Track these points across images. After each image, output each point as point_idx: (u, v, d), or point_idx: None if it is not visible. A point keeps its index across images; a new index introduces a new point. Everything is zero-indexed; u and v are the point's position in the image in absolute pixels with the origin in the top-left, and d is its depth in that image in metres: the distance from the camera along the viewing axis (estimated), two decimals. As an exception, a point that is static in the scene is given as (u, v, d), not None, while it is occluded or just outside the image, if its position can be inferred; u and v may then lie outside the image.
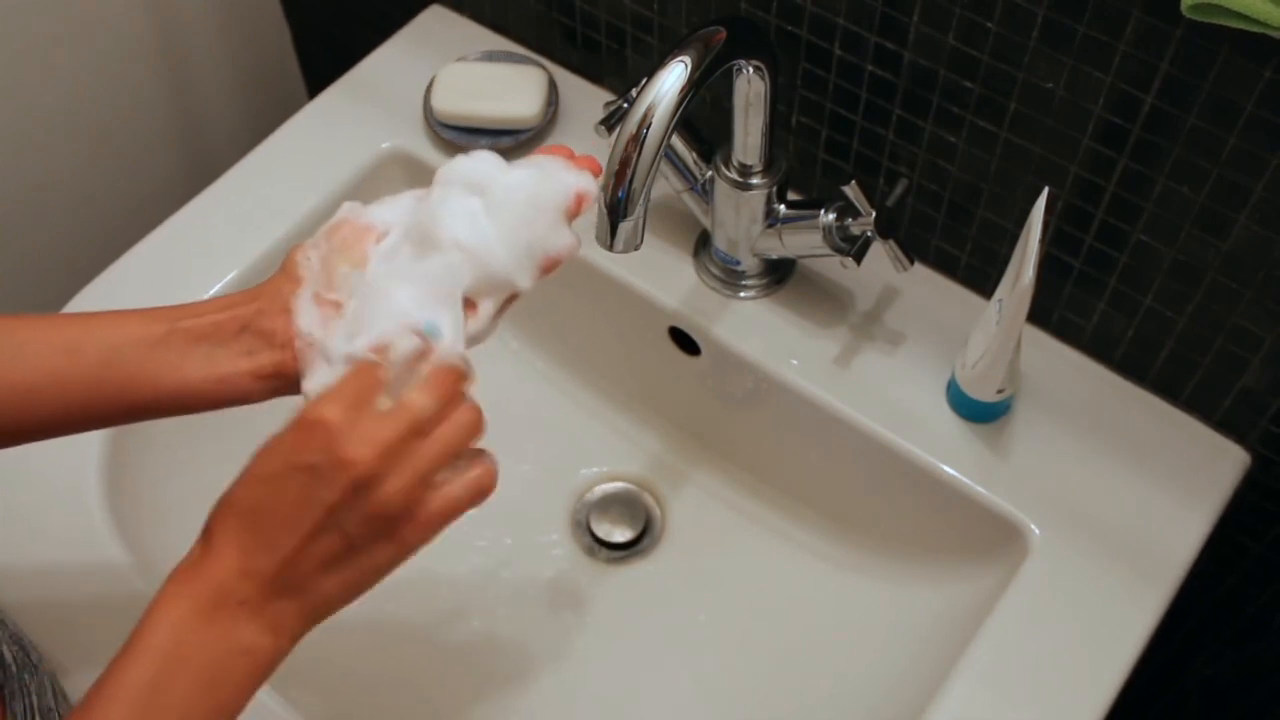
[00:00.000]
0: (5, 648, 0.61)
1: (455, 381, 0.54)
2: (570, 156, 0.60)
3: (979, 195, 0.77)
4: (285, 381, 0.57)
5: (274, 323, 0.57)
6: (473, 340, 0.57)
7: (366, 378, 0.52)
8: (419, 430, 0.52)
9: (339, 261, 0.57)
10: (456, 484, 0.53)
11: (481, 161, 0.58)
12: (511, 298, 0.58)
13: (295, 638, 0.52)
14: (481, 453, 0.55)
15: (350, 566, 0.52)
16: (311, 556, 0.51)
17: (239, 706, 0.51)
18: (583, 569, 0.87)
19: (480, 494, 0.54)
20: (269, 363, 0.57)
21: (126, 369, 0.56)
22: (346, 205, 0.59)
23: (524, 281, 0.57)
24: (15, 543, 0.76)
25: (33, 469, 0.79)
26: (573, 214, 0.58)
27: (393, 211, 0.59)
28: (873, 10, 0.72)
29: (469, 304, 0.57)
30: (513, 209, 0.56)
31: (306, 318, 0.56)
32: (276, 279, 0.59)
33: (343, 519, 0.51)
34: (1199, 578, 0.75)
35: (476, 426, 0.54)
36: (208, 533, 0.52)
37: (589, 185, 0.59)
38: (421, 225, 0.56)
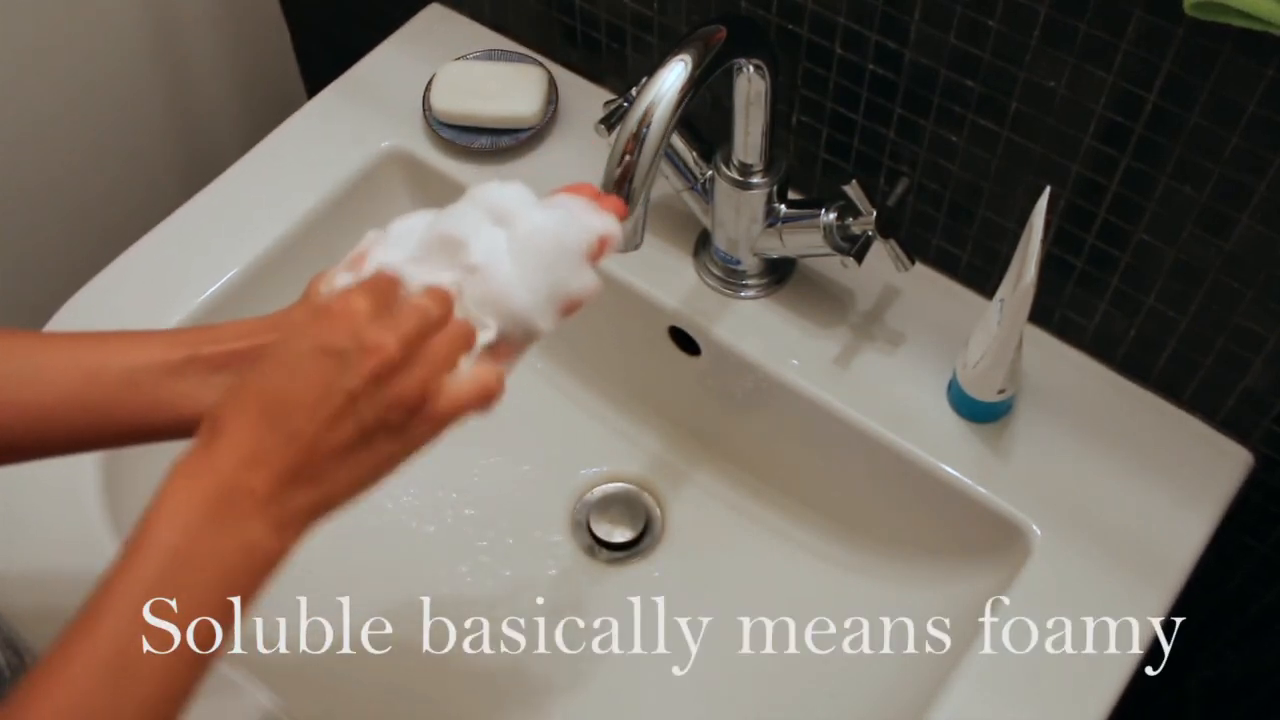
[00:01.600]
0: (0, 653, 0.60)
1: (449, 299, 0.55)
2: (594, 196, 0.59)
3: (980, 194, 0.77)
4: None
5: None
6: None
7: (384, 281, 0.54)
8: (434, 326, 0.53)
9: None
10: (465, 382, 0.54)
11: (512, 193, 0.57)
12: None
13: (300, 534, 0.52)
14: (489, 362, 0.56)
15: (360, 459, 0.52)
16: (327, 446, 0.51)
17: (246, 605, 0.50)
18: (583, 569, 0.87)
19: (486, 394, 0.55)
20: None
21: (144, 396, 0.56)
22: (371, 234, 0.59)
23: (544, 324, 0.57)
24: (12, 547, 0.76)
25: (31, 473, 0.78)
26: (595, 257, 0.58)
27: (412, 240, 0.58)
28: (873, 9, 0.72)
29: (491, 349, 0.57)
30: (535, 252, 0.56)
31: None
32: (297, 309, 0.58)
33: (361, 407, 0.51)
34: (1202, 578, 0.75)
35: (471, 336, 0.55)
36: (217, 421, 0.51)
37: (613, 229, 0.58)
38: (445, 233, 0.56)
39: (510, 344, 0.57)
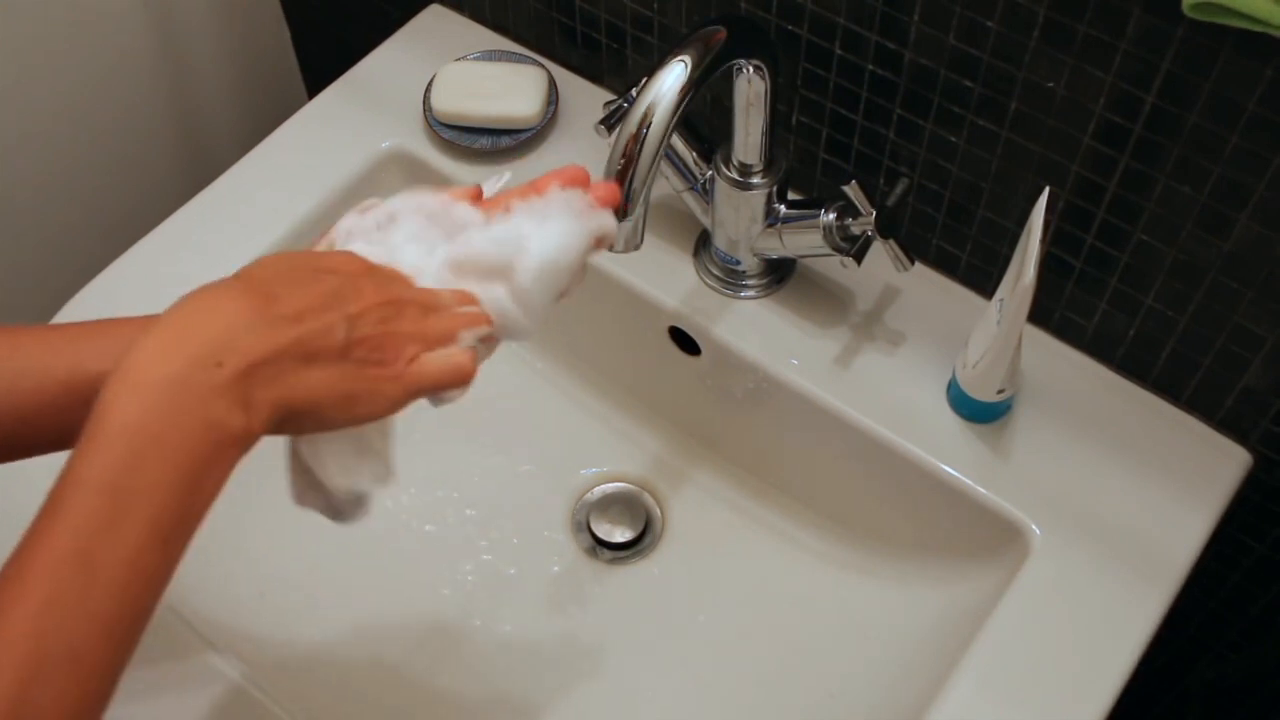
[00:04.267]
0: None
1: (468, 296, 0.56)
2: (586, 184, 0.59)
3: (980, 195, 0.77)
4: None
5: None
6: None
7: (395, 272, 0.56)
8: (439, 306, 0.55)
9: None
10: (440, 358, 0.54)
11: (501, 245, 0.56)
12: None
13: (266, 424, 0.50)
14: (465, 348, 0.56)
15: (331, 374, 0.51)
16: (311, 344, 0.50)
17: (213, 490, 0.48)
18: (583, 569, 0.87)
19: (459, 374, 0.55)
20: None
21: None
22: (349, 215, 0.59)
23: (537, 327, 0.57)
24: (10, 547, 0.76)
25: (28, 472, 0.78)
26: (591, 254, 0.58)
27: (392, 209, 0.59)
28: (873, 9, 0.72)
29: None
30: (538, 294, 0.56)
31: None
32: None
33: (356, 325, 0.51)
34: (1201, 579, 0.75)
35: (467, 327, 0.56)
36: (187, 300, 0.50)
37: (609, 227, 0.58)
38: (460, 259, 0.57)
39: (498, 338, 0.57)
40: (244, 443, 0.49)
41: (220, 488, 0.49)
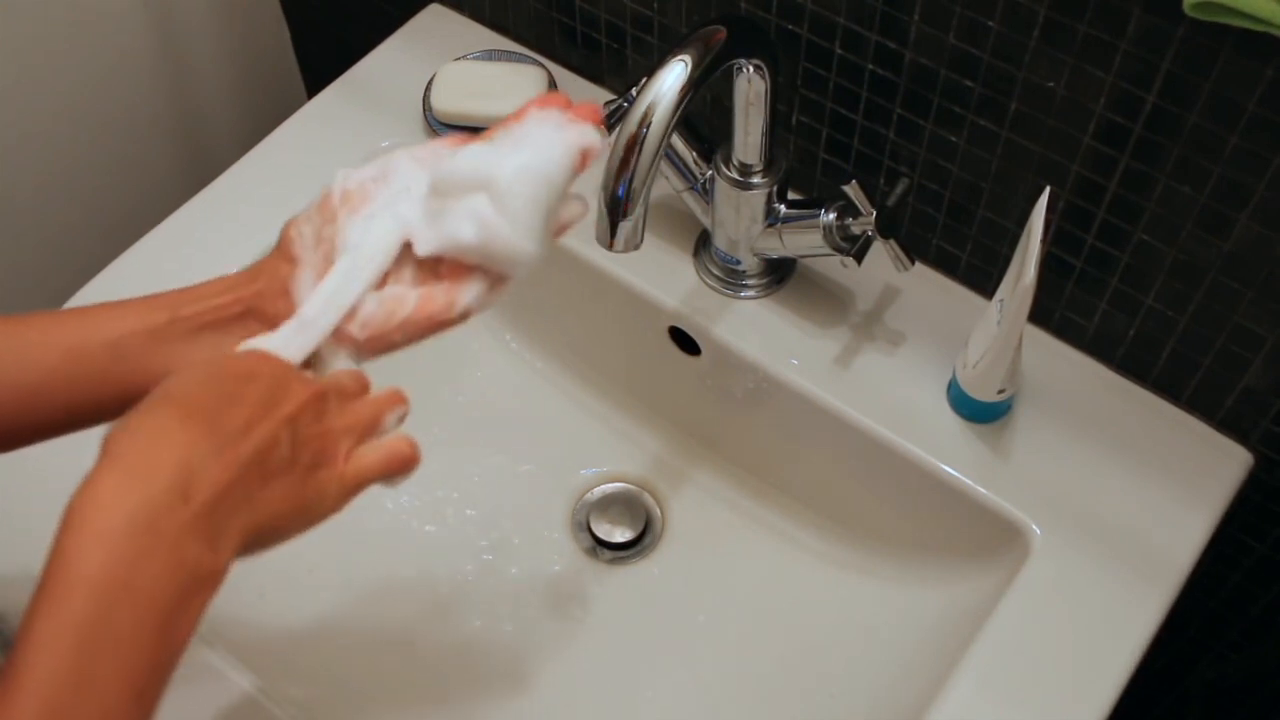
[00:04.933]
0: (2, 655, 0.60)
1: (365, 381, 0.56)
2: (567, 106, 0.58)
3: (980, 195, 0.77)
4: None
5: (275, 305, 0.57)
6: (470, 312, 0.57)
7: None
8: (354, 394, 0.55)
9: (333, 234, 0.57)
10: (374, 447, 0.54)
11: (478, 159, 0.56)
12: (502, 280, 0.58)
13: (235, 554, 0.48)
14: (401, 434, 0.56)
15: (287, 482, 0.50)
16: (261, 464, 0.49)
17: (186, 636, 0.45)
18: (583, 569, 0.87)
19: (399, 461, 0.54)
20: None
21: (131, 364, 0.55)
22: (341, 173, 0.59)
23: (538, 250, 0.56)
24: (15, 546, 0.76)
25: (30, 475, 0.78)
26: (580, 170, 0.57)
27: (382, 168, 0.58)
28: (873, 9, 0.72)
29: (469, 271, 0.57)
30: (520, 197, 0.55)
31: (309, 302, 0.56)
32: (273, 258, 0.58)
33: (291, 418, 0.50)
34: (1202, 579, 0.75)
35: (380, 418, 0.55)
36: (125, 435, 0.47)
37: (592, 139, 0.57)
38: (443, 182, 0.56)
39: (505, 275, 0.57)
40: (215, 580, 0.47)
41: (193, 632, 0.46)
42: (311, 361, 0.56)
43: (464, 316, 0.58)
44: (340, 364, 0.56)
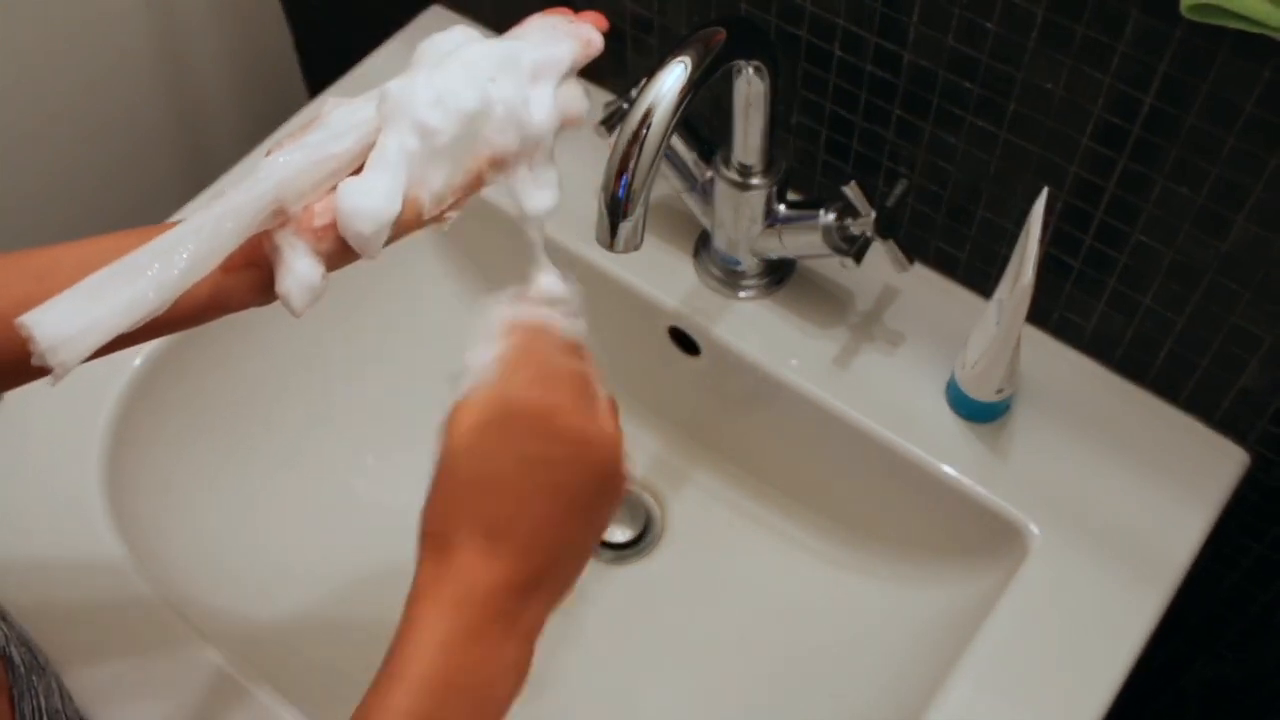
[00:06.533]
0: (14, 649, 0.60)
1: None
2: (568, 13, 0.59)
3: (979, 195, 0.77)
4: (263, 272, 0.54)
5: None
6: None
7: (575, 376, 0.57)
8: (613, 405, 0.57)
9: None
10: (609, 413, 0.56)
11: (463, 36, 0.56)
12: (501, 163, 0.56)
13: (539, 635, 0.51)
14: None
15: (585, 544, 0.52)
16: (564, 550, 0.51)
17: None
18: (583, 569, 0.87)
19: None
20: (240, 255, 0.53)
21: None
22: (331, 102, 0.59)
23: (549, 122, 0.56)
24: (16, 543, 0.76)
25: (33, 469, 0.79)
26: (582, 62, 0.58)
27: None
28: (872, 11, 0.72)
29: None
30: (527, 70, 0.56)
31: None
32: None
33: (588, 503, 0.51)
34: (1200, 578, 0.75)
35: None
36: (441, 539, 0.50)
37: (595, 36, 0.58)
38: (461, 111, 0.55)
39: (520, 154, 0.56)
40: (530, 668, 0.51)
41: (508, 715, 0.50)
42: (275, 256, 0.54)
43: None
44: (300, 261, 0.54)
